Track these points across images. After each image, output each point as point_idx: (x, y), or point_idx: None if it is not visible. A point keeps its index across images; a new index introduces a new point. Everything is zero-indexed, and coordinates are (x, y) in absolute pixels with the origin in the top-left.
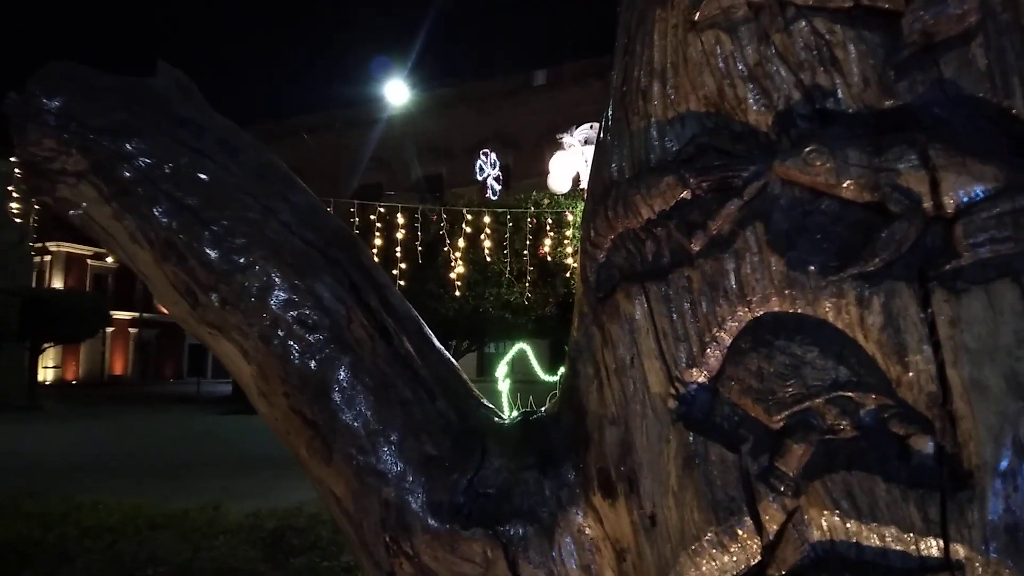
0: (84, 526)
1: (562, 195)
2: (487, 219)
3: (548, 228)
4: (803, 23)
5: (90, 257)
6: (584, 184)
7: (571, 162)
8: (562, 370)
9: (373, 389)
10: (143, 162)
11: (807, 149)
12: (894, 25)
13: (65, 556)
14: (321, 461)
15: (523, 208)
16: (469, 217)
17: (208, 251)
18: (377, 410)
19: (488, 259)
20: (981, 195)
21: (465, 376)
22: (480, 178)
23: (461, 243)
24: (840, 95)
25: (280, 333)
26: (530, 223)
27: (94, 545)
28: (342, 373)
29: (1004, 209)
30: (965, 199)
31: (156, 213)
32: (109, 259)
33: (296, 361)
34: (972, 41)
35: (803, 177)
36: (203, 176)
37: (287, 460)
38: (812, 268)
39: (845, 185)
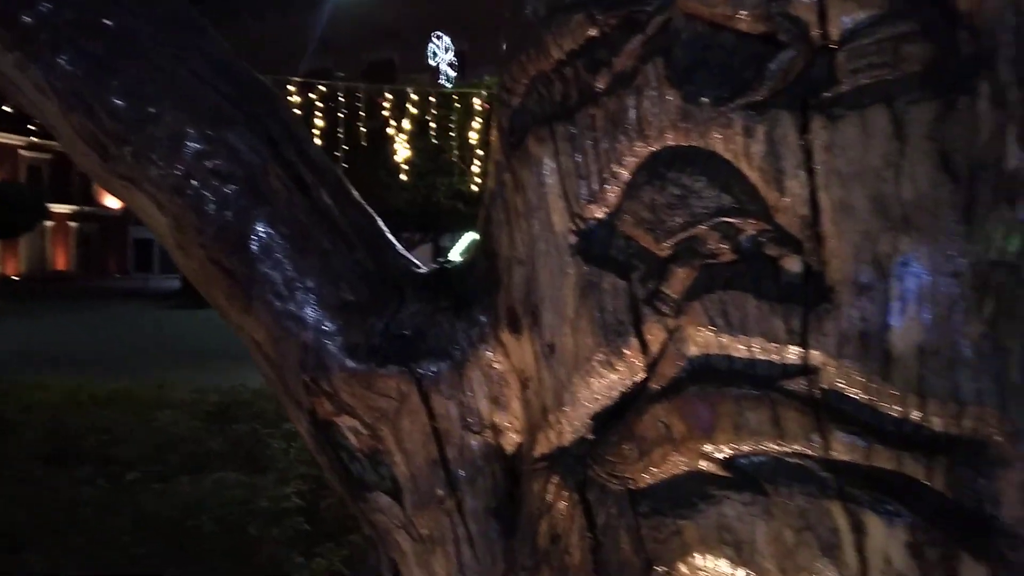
0: (25, 403)
1: None
2: (436, 103)
3: None
4: None
5: (23, 148)
6: None
7: None
8: None
9: (290, 239)
10: (44, 7)
11: None
12: None
13: (6, 430)
14: (240, 308)
15: (473, 91)
16: (415, 98)
17: (116, 101)
18: (295, 259)
19: (437, 144)
20: (866, 22)
21: (385, 228)
22: (432, 63)
23: (408, 125)
24: None
25: (194, 184)
26: (480, 108)
27: (36, 420)
28: (258, 224)
29: (884, 35)
30: (851, 26)
31: (61, 62)
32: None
33: (211, 212)
34: None
35: (704, 10)
36: (108, 22)
37: (240, 351)
38: (705, 100)
39: (742, 16)
